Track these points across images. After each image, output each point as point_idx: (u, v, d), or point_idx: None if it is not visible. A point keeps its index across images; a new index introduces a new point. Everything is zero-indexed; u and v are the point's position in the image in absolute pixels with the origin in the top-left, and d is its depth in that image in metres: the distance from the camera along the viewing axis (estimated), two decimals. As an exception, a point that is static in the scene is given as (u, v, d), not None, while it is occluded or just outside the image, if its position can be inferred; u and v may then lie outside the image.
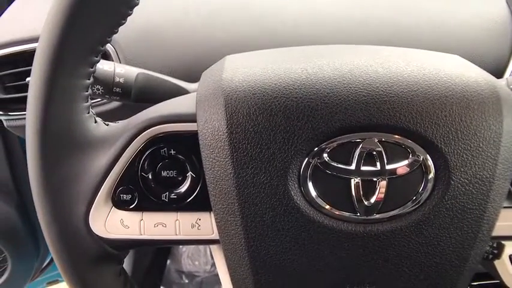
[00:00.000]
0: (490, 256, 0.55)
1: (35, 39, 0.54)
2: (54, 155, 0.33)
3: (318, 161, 0.32)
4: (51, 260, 0.96)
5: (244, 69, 0.34)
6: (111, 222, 0.35)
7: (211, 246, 0.44)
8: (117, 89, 0.45)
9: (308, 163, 0.32)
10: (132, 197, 0.35)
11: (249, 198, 0.32)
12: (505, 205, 0.34)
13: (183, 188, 0.35)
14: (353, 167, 0.32)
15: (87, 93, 0.33)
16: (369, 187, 0.32)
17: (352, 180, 0.32)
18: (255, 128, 0.32)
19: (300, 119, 0.32)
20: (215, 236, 0.35)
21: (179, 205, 0.35)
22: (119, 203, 0.35)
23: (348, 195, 0.33)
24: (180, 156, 0.34)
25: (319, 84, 0.32)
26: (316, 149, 0.32)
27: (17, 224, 0.80)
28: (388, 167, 0.32)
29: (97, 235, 0.35)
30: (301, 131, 0.32)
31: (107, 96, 0.45)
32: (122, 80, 0.45)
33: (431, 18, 0.59)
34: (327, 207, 0.33)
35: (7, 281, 0.80)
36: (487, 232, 0.34)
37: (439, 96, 0.32)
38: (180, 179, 0.35)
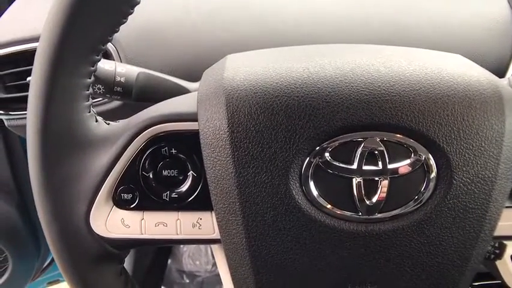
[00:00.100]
0: (492, 256, 0.55)
1: (35, 39, 0.54)
2: (55, 154, 0.33)
3: (320, 160, 0.32)
4: (52, 259, 0.96)
5: (245, 68, 0.34)
6: (112, 222, 0.35)
7: (212, 245, 0.44)
8: (118, 88, 0.45)
9: (309, 162, 0.32)
10: (133, 197, 0.35)
11: (250, 198, 0.32)
12: (507, 205, 0.34)
13: (184, 188, 0.35)
14: (355, 166, 0.32)
15: (88, 92, 0.33)
16: (370, 186, 0.32)
17: (354, 180, 0.32)
18: (257, 127, 0.32)
19: (302, 118, 0.31)
20: (216, 235, 0.35)
21: (180, 204, 0.35)
22: (120, 203, 0.35)
23: (349, 194, 0.33)
24: (181, 156, 0.34)
25: (320, 83, 0.32)
26: (317, 148, 0.32)
27: (18, 223, 0.80)
28: (390, 166, 0.32)
29: (98, 234, 0.35)
30: (302, 130, 0.31)
31: (108, 95, 0.45)
32: (122, 79, 0.45)
33: (433, 18, 0.58)
34: (329, 206, 0.33)
35: (8, 281, 0.80)
36: (489, 232, 0.34)
37: (441, 95, 0.32)
38: (181, 178, 0.35)
